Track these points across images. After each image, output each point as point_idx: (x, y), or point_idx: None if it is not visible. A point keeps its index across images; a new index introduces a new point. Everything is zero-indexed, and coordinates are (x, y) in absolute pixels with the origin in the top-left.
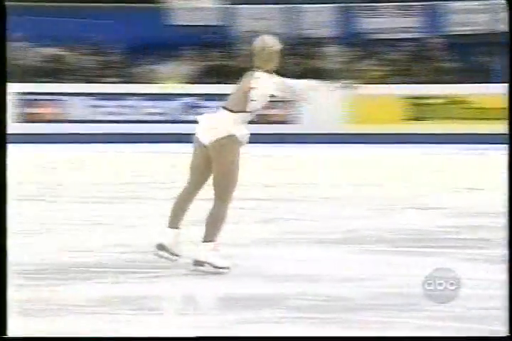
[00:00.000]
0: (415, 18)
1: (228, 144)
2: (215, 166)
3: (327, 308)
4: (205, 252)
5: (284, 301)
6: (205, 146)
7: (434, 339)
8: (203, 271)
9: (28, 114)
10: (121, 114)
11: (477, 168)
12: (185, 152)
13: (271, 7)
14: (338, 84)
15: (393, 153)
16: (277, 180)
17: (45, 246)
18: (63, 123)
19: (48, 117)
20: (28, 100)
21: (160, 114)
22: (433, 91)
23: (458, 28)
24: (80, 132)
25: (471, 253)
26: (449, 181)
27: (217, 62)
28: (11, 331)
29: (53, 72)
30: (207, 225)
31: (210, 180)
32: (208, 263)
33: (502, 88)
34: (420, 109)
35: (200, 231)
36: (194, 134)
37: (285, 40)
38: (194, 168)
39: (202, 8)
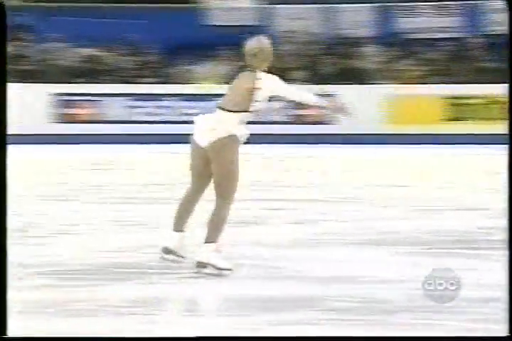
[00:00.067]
0: (454, 18)
1: (228, 144)
2: (215, 167)
3: (365, 310)
4: (207, 253)
5: (322, 303)
6: (202, 148)
7: (435, 339)
8: (206, 273)
9: (66, 115)
10: (157, 114)
11: None
12: None
13: (308, 7)
14: (333, 105)
15: (431, 154)
16: (312, 181)
17: (80, 247)
18: (100, 124)
19: (85, 118)
20: (66, 101)
21: (197, 114)
22: (473, 91)
23: (498, 28)
24: (117, 133)
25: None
26: (488, 181)
27: None
28: (48, 331)
29: (90, 73)
30: (209, 226)
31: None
32: (210, 265)
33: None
34: (459, 109)
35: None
36: (191, 136)
37: (322, 39)
38: (194, 170)
39: (239, 8)
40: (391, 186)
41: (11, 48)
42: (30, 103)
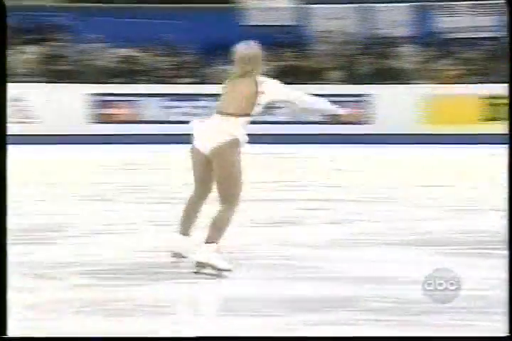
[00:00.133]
0: (492, 17)
1: (230, 148)
2: (219, 171)
3: (399, 310)
4: (208, 253)
5: (357, 303)
6: (203, 154)
7: (435, 339)
8: (205, 274)
9: (103, 115)
10: (195, 114)
11: None
12: (260, 153)
13: (345, 6)
14: (331, 110)
15: (468, 154)
16: (348, 181)
17: (117, 247)
18: (137, 124)
19: (122, 118)
20: (103, 101)
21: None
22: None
23: None
24: (153, 133)
25: None
26: None
27: (291, 62)
28: (84, 331)
29: (127, 73)
30: (212, 227)
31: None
32: (210, 265)
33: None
34: (497, 109)
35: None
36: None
37: (359, 39)
38: (196, 176)
39: (276, 8)
40: (425, 186)
41: (48, 48)
42: (67, 103)
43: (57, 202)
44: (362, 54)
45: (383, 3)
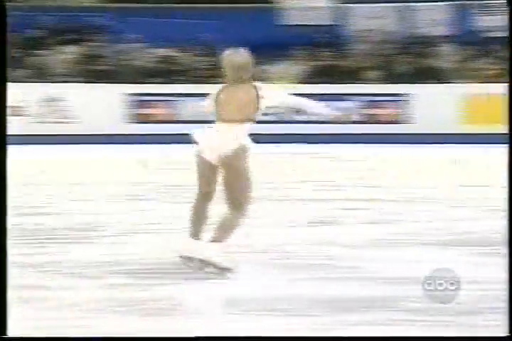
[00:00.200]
0: None
1: (239, 156)
2: (229, 179)
3: (440, 311)
4: (210, 252)
5: (395, 303)
6: (210, 163)
7: (435, 339)
8: (207, 272)
9: (141, 115)
10: None
11: None
12: (299, 153)
13: (384, 5)
14: (333, 115)
15: (508, 153)
16: (386, 181)
17: (153, 246)
18: (174, 124)
19: (160, 118)
20: (140, 101)
21: (271, 114)
22: None
23: None
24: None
25: None
26: None
27: (329, 62)
28: (118, 330)
29: (165, 73)
30: (219, 229)
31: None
32: (212, 264)
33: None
34: None
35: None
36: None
37: (398, 38)
38: (201, 180)
39: (314, 8)
40: (463, 186)
41: (86, 49)
42: (105, 103)
43: (94, 201)
44: (400, 53)
45: (422, 2)
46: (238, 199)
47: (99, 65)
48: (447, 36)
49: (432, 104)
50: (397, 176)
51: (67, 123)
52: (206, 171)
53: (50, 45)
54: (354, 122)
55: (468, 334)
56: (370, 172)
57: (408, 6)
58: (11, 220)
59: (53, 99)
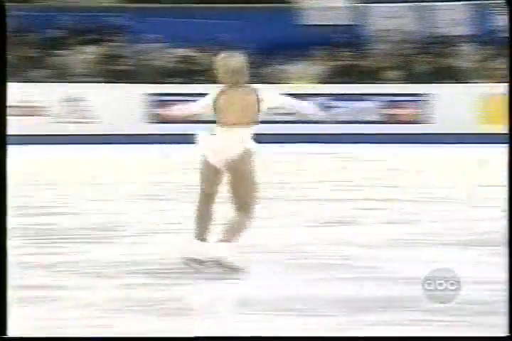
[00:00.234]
0: None
1: (244, 159)
2: (235, 182)
3: (458, 311)
4: (220, 252)
5: (414, 303)
6: (215, 167)
7: (435, 339)
8: (215, 272)
9: (161, 115)
10: None
11: None
12: (318, 152)
13: (403, 5)
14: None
15: None
16: (405, 181)
17: (172, 246)
18: (194, 124)
19: (180, 118)
20: (160, 101)
21: (290, 114)
22: None
23: None
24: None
25: None
26: None
27: (348, 62)
28: (135, 330)
29: (184, 73)
30: (227, 231)
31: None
32: (221, 263)
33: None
34: None
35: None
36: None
37: (417, 38)
38: (206, 184)
39: (333, 8)
40: (483, 186)
41: (106, 49)
42: (125, 103)
43: (113, 201)
44: (420, 53)
45: (442, 1)
46: (245, 202)
47: (119, 65)
48: (467, 36)
49: (452, 103)
50: (417, 176)
51: (86, 123)
52: (211, 175)
53: (71, 45)
54: (374, 122)
55: (488, 335)
56: (390, 172)
57: (427, 6)
58: (34, 220)
59: (73, 99)
